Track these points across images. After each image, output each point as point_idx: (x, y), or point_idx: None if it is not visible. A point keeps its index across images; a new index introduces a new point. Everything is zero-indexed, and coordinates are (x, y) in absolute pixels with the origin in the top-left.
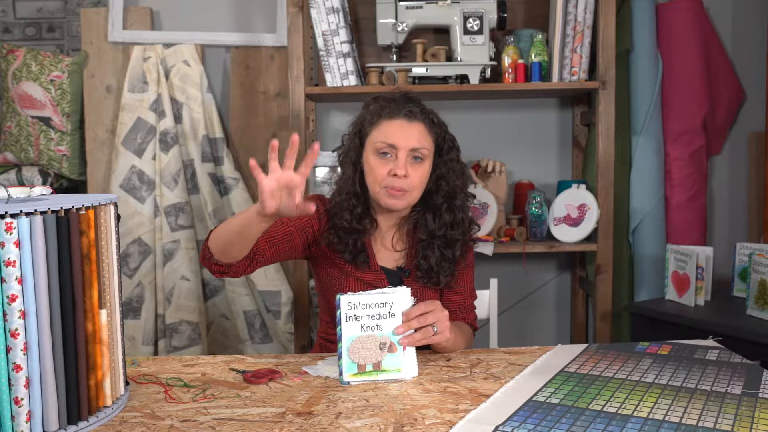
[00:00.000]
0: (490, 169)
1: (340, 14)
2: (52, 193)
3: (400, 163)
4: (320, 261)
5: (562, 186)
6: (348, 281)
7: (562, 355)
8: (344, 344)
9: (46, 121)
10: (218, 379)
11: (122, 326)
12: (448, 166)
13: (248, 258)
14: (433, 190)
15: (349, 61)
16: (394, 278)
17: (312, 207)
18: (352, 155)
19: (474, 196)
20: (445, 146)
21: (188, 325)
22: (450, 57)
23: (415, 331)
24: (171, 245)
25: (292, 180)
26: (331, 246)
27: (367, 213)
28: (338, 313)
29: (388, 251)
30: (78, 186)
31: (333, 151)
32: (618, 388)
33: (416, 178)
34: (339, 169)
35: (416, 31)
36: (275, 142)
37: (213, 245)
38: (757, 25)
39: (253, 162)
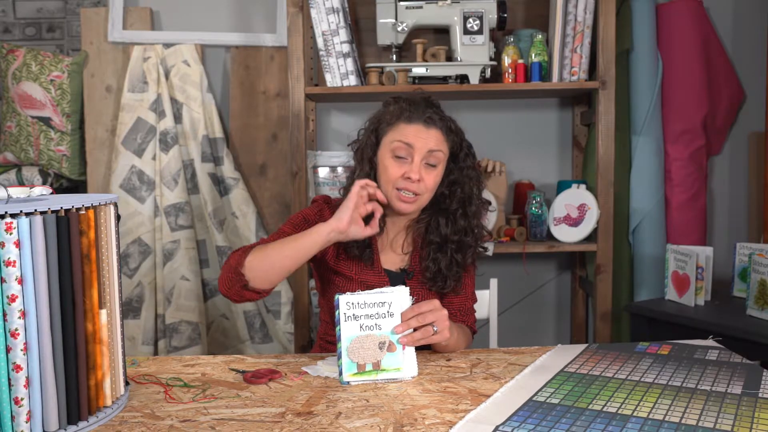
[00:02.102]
0: (490, 169)
1: (340, 14)
2: (52, 193)
3: (414, 166)
4: (324, 263)
5: (562, 186)
6: (351, 285)
7: (562, 355)
8: (344, 344)
9: (46, 121)
10: (218, 379)
11: (122, 326)
12: (464, 173)
13: None
14: (446, 194)
15: (349, 61)
16: (396, 281)
17: (375, 228)
18: (367, 152)
19: (490, 203)
20: (461, 153)
21: (188, 325)
22: (450, 57)
23: (415, 330)
24: (171, 245)
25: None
26: (337, 241)
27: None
28: (337, 312)
29: (394, 253)
30: (78, 186)
31: (348, 146)
32: (618, 388)
33: (429, 183)
34: (353, 162)
35: (416, 31)
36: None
37: (255, 272)
38: (757, 25)
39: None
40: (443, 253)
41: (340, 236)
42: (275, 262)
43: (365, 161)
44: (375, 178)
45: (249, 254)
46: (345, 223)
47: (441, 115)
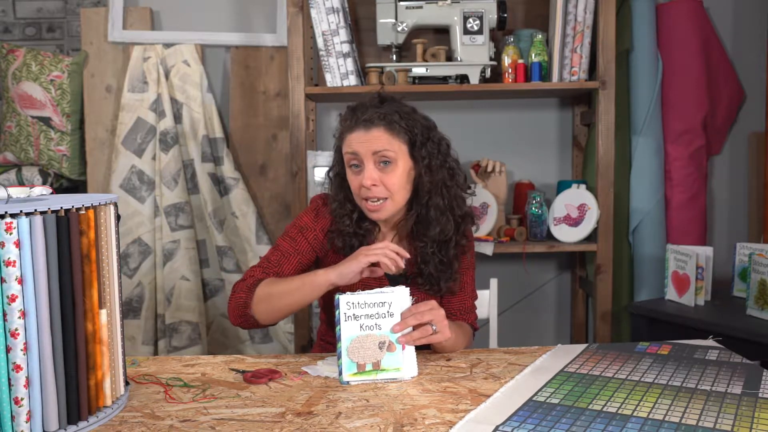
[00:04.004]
0: (490, 169)
1: (340, 14)
2: (52, 193)
3: (366, 173)
4: (324, 265)
5: (562, 186)
6: (350, 288)
7: (562, 355)
8: (344, 344)
9: (46, 121)
10: (218, 379)
11: (122, 326)
12: (424, 163)
13: None
14: (420, 188)
15: (349, 61)
16: (395, 284)
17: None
18: (337, 168)
19: (469, 186)
20: (417, 142)
21: (188, 325)
22: (450, 57)
23: (414, 329)
24: (171, 245)
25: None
26: (337, 250)
27: (365, 216)
28: (337, 312)
29: None
30: (78, 186)
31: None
32: (618, 388)
33: (389, 183)
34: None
35: (416, 31)
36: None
37: (261, 314)
38: (757, 25)
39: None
40: (428, 254)
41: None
42: (281, 308)
43: (336, 176)
44: (351, 194)
45: (254, 295)
46: (347, 282)
47: (381, 111)
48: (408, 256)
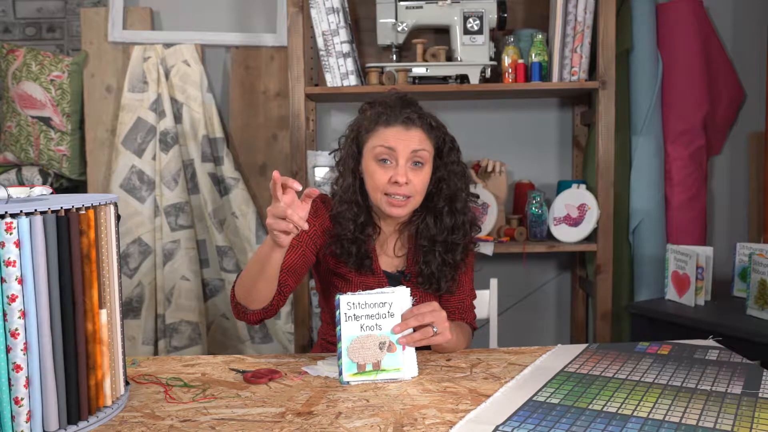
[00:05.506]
0: (490, 169)
1: (340, 14)
2: (52, 193)
3: (400, 169)
4: (323, 265)
5: (562, 186)
6: (350, 287)
7: (562, 355)
8: (344, 344)
9: (46, 121)
10: (218, 379)
11: (122, 326)
12: (449, 169)
13: (278, 293)
14: (434, 192)
15: (349, 61)
16: (394, 282)
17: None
18: (350, 162)
19: (477, 196)
20: (445, 148)
21: (188, 325)
22: (450, 57)
23: (414, 330)
24: (171, 245)
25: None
26: (334, 255)
27: (369, 221)
28: (338, 313)
29: (389, 256)
30: (78, 186)
31: (330, 154)
32: (618, 388)
33: (418, 184)
34: (336, 173)
35: (416, 31)
36: (276, 174)
37: (242, 296)
38: (757, 25)
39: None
40: (433, 255)
41: (291, 227)
42: (251, 284)
43: (348, 172)
44: (361, 188)
45: (236, 284)
46: (286, 246)
47: (420, 113)
48: (299, 187)
